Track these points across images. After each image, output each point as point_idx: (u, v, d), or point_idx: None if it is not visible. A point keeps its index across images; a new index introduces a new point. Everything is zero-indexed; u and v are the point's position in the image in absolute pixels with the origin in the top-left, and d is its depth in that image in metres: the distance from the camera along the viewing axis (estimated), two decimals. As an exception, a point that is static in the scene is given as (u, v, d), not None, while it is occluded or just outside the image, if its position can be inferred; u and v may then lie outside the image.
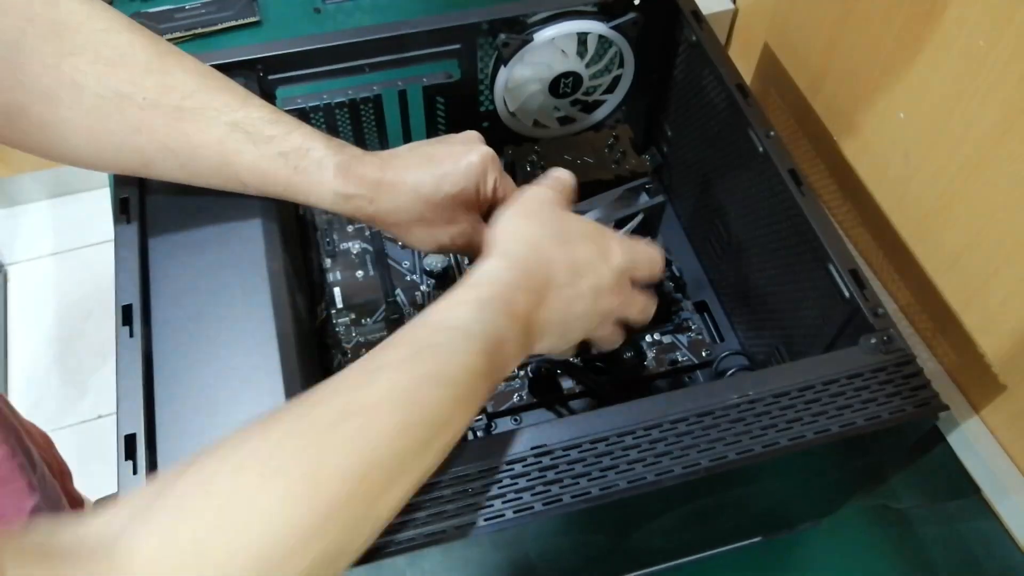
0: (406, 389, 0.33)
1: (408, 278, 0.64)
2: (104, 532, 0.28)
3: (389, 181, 0.44)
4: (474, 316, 0.37)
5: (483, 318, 0.37)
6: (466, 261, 0.65)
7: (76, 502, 0.77)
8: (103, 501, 0.79)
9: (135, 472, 0.37)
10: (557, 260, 0.41)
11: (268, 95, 0.58)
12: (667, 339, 0.60)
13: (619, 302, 0.43)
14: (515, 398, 0.57)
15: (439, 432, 0.34)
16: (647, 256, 0.45)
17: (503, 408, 0.56)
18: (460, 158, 0.45)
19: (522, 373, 0.58)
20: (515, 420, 0.56)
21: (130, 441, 0.38)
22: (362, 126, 0.62)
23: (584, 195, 0.55)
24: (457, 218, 0.46)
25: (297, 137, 0.43)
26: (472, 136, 0.47)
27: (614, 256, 0.42)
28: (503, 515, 0.36)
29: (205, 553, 0.28)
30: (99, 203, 1.64)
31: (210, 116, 0.42)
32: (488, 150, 0.46)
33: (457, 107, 0.63)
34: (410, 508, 0.36)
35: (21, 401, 1.25)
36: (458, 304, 0.37)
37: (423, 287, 0.64)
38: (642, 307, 0.45)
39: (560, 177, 0.46)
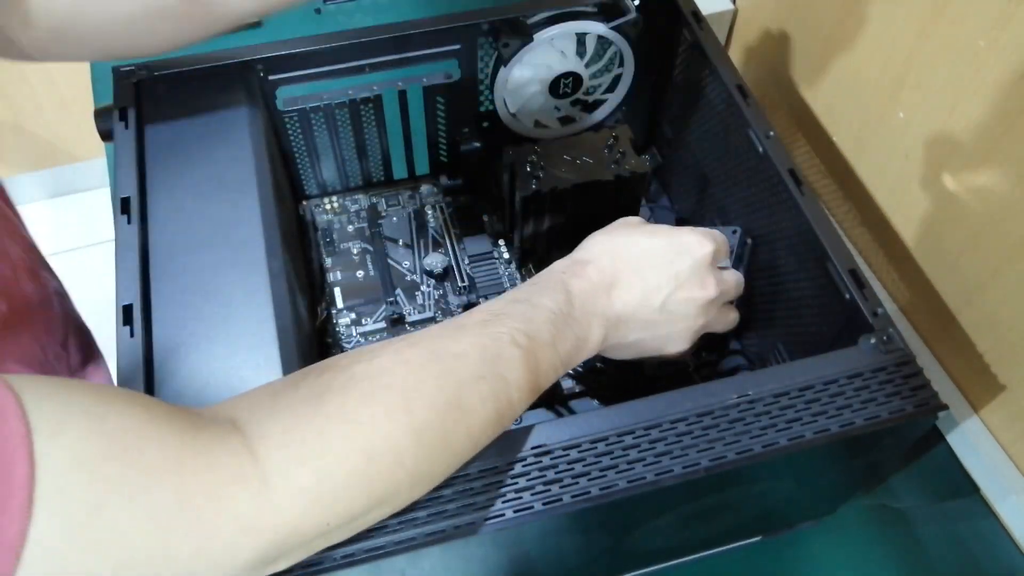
0: (483, 346, 0.37)
1: (408, 278, 0.64)
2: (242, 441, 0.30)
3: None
4: (540, 293, 0.41)
5: (549, 296, 0.41)
6: (467, 262, 0.65)
7: None
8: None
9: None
10: (626, 257, 0.44)
11: (268, 95, 0.58)
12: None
13: (704, 293, 0.44)
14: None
15: (506, 386, 0.37)
16: (722, 237, 0.47)
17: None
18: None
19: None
20: (515, 420, 0.56)
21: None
22: (362, 126, 0.62)
23: (583, 195, 0.56)
24: None
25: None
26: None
27: (691, 246, 0.45)
28: (503, 515, 0.36)
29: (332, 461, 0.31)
30: (99, 203, 1.64)
31: None
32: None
33: (457, 107, 0.63)
34: (410, 508, 0.36)
35: (21, 401, 1.24)
36: (528, 284, 0.42)
37: (423, 287, 0.64)
38: (732, 286, 0.48)
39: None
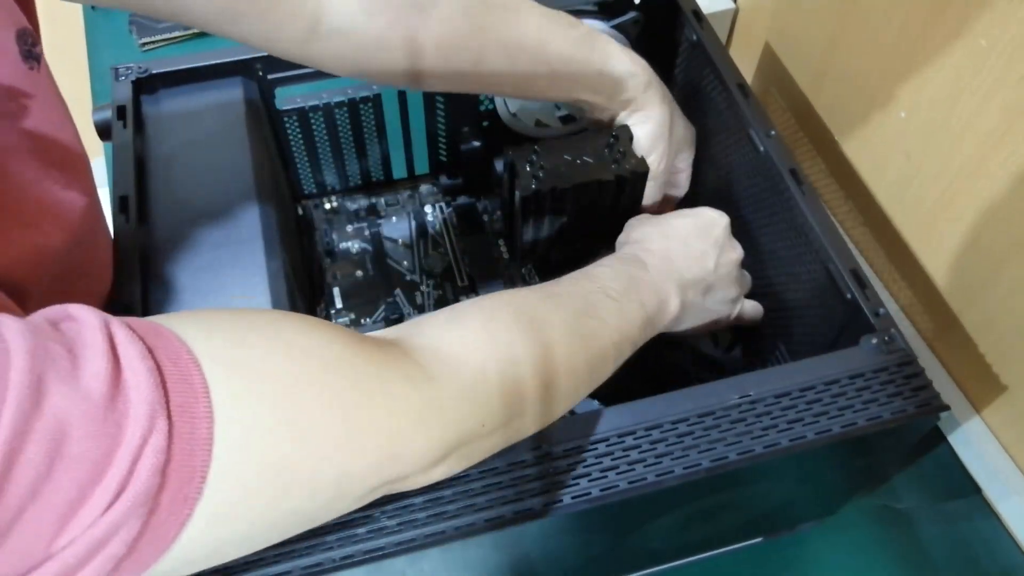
0: (583, 295, 0.42)
1: (408, 278, 0.64)
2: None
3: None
4: (615, 263, 0.46)
5: (629, 264, 0.46)
6: (467, 262, 0.65)
7: None
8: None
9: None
10: (671, 235, 0.50)
11: (267, 95, 0.58)
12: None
13: (736, 253, 0.52)
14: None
15: (606, 327, 0.41)
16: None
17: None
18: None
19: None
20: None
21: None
22: (362, 126, 0.62)
23: (583, 195, 0.55)
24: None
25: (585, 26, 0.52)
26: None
27: (715, 219, 0.52)
28: (503, 515, 0.36)
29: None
30: (99, 203, 1.64)
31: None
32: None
33: (457, 107, 0.63)
34: (410, 508, 0.36)
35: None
36: (596, 265, 0.46)
37: (423, 287, 0.64)
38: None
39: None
